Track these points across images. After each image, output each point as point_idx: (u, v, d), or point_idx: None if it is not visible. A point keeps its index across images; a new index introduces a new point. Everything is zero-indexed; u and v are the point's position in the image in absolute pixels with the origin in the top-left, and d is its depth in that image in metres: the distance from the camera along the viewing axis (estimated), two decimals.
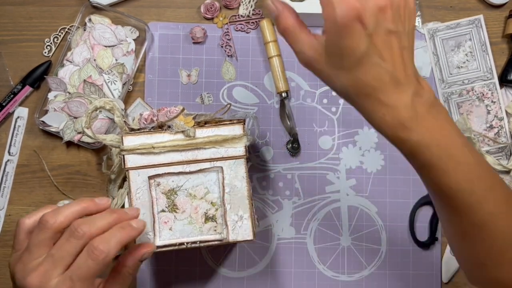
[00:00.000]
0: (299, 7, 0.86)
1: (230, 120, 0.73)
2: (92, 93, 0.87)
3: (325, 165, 0.90)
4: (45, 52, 0.90)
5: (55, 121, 0.86)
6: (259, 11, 0.91)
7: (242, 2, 0.91)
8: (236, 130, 0.72)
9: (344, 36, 0.49)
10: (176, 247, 0.72)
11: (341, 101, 0.91)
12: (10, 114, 0.90)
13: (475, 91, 0.90)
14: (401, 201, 0.89)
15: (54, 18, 0.91)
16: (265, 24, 0.89)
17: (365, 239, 0.89)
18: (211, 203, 0.73)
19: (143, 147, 0.71)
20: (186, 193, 0.73)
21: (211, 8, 0.90)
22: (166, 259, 0.88)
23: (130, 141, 0.71)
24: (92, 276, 0.57)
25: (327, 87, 0.91)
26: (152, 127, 0.73)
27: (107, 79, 0.87)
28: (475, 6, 0.92)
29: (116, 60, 0.88)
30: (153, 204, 0.72)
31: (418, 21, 0.92)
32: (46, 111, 0.87)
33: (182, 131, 0.71)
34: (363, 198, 0.90)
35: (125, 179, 0.76)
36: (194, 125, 0.72)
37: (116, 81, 0.88)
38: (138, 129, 0.73)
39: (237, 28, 0.91)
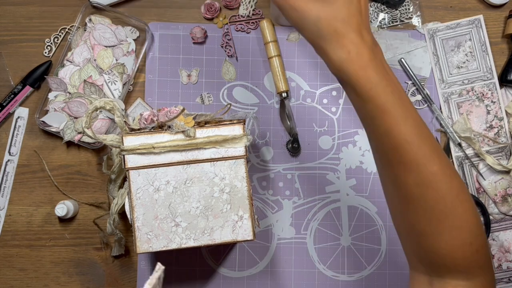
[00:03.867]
0: None
1: (230, 120, 0.73)
2: (92, 93, 0.87)
3: (325, 165, 0.90)
4: (46, 52, 0.91)
5: (55, 121, 0.86)
6: (259, 11, 0.91)
7: (242, 2, 0.91)
8: (236, 130, 0.72)
9: None
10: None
11: (341, 101, 0.91)
12: (11, 114, 0.90)
13: (475, 91, 0.90)
14: None
15: (54, 18, 0.91)
16: (265, 24, 0.89)
17: (365, 239, 0.89)
18: None
19: (143, 147, 0.71)
20: None
21: (211, 8, 0.90)
22: (166, 259, 0.88)
23: (130, 141, 0.72)
24: None
25: (327, 87, 0.91)
26: (152, 127, 0.73)
27: (108, 79, 0.88)
28: (475, 6, 0.92)
29: (116, 60, 0.88)
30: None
31: (418, 21, 0.92)
32: (47, 111, 0.87)
33: (182, 131, 0.71)
34: (363, 198, 0.90)
35: (125, 179, 0.76)
36: (194, 125, 0.72)
37: (116, 81, 0.88)
38: (138, 129, 0.73)
39: (237, 28, 0.91)
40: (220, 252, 0.88)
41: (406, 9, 0.92)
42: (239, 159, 0.72)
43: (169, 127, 0.72)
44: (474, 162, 0.90)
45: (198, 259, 0.88)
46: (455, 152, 0.90)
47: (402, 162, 0.58)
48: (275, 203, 0.90)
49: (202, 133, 0.72)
